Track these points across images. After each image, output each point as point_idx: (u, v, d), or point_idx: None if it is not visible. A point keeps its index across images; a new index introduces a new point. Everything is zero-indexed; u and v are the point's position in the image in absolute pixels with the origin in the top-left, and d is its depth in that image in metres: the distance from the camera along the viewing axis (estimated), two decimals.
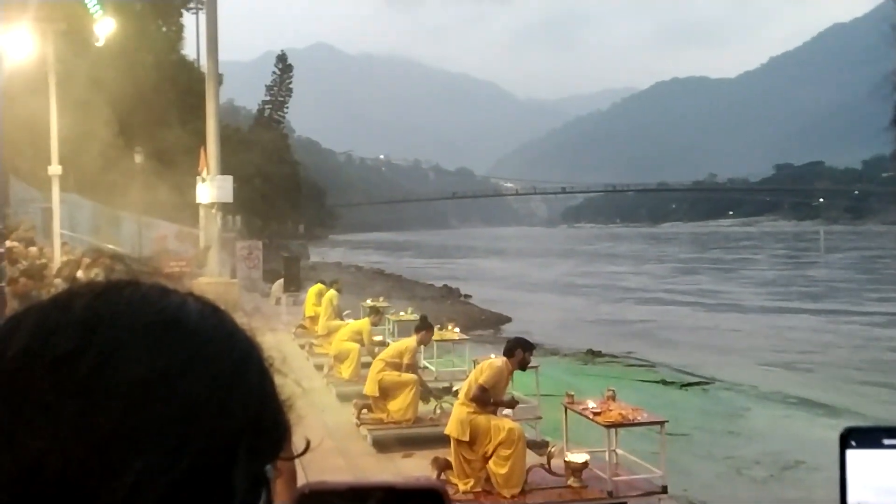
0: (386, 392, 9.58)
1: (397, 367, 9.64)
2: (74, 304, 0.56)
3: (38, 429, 0.51)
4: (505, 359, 7.56)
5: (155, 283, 0.60)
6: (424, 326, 10.15)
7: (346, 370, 12.08)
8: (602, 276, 53.98)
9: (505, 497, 7.10)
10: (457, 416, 7.42)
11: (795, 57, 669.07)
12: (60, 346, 0.53)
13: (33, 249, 16.60)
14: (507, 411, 7.98)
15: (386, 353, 10.10)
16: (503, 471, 7.12)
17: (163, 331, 0.55)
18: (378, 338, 13.45)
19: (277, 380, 0.61)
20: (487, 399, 7.40)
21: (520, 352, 7.56)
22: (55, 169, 18.92)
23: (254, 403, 0.57)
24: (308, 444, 0.64)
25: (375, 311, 13.31)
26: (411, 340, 9.96)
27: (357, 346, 12.18)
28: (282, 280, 22.93)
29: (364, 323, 12.71)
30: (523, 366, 7.63)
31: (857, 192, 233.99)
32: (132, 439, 0.51)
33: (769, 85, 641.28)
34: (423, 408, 9.73)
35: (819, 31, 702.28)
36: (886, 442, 0.61)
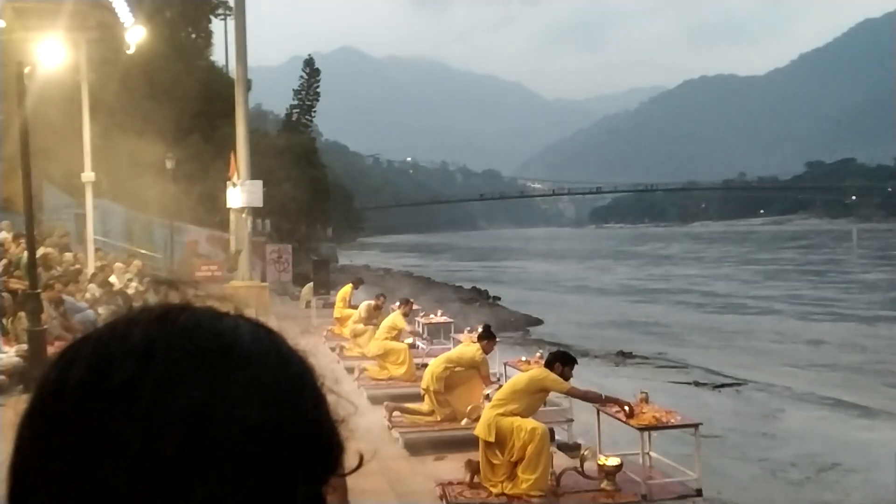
0: (451, 386, 9.63)
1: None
2: (131, 333, 0.56)
3: (102, 457, 0.51)
4: (545, 368, 7.59)
5: (208, 307, 0.60)
6: (487, 336, 10.04)
7: (397, 369, 12.12)
8: (678, 280, 49.74)
9: (533, 497, 7.07)
10: (485, 417, 7.50)
11: (826, 53, 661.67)
12: (119, 376, 0.54)
13: (67, 255, 16.76)
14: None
15: (450, 356, 10.08)
16: (535, 474, 7.09)
17: (218, 357, 0.55)
18: (408, 340, 13.46)
19: (330, 399, 0.61)
20: (585, 391, 7.82)
21: (559, 365, 7.55)
22: (88, 175, 19.10)
23: (309, 425, 0.57)
24: (361, 459, 0.65)
25: (406, 302, 13.45)
26: (477, 349, 9.80)
27: (404, 345, 12.24)
28: (311, 284, 23.05)
29: (396, 316, 12.84)
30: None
31: (889, 189, 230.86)
32: (194, 465, 0.51)
33: (799, 82, 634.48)
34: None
35: (850, 26, 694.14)
36: None
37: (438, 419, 9.60)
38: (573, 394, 7.74)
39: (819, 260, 69.92)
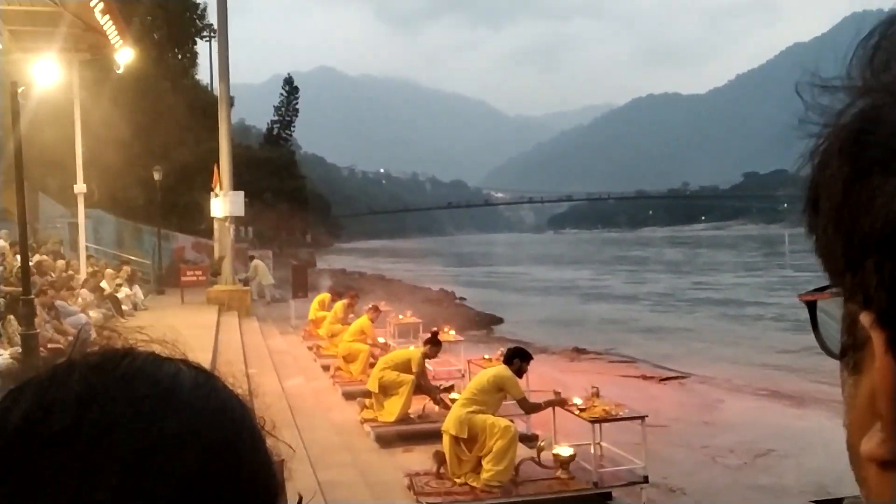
0: (385, 389, 9.55)
1: (401, 371, 9.56)
2: (71, 380, 0.53)
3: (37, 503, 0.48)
4: (505, 366, 7.55)
5: (150, 352, 0.57)
6: (432, 342, 10.04)
7: (355, 369, 12.01)
8: (723, 290, 39.81)
9: (494, 486, 7.04)
10: (456, 415, 7.35)
11: (760, 73, 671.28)
12: (57, 423, 0.51)
13: (60, 262, 16.52)
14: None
15: (389, 358, 10.03)
16: (500, 467, 7.04)
17: (156, 404, 0.53)
18: (381, 339, 13.37)
19: (269, 442, 0.58)
20: (533, 404, 7.90)
21: (517, 361, 7.54)
22: (80, 187, 18.84)
23: (246, 470, 0.55)
24: (300, 499, 0.63)
25: (374, 308, 13.30)
26: (417, 351, 9.84)
27: (367, 348, 12.13)
28: (258, 261, 23.08)
29: (364, 320, 12.71)
30: (519, 374, 7.59)
31: None
32: None
33: (736, 100, 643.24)
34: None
35: (781, 49, 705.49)
36: None
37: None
38: (523, 405, 7.67)
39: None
